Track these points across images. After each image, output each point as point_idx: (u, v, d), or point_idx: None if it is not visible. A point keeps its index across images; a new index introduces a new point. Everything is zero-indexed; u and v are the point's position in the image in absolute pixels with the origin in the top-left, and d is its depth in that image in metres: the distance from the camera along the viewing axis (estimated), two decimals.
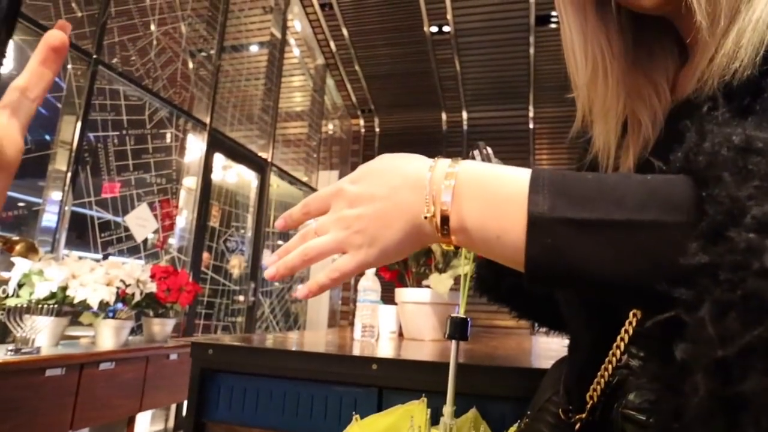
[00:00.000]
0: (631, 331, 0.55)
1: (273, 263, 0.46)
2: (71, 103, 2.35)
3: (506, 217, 0.35)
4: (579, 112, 0.58)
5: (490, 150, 0.77)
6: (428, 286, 1.35)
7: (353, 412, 0.78)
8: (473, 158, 0.78)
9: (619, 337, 0.56)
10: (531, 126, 5.29)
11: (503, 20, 4.42)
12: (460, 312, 0.78)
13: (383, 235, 0.40)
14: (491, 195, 0.36)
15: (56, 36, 0.31)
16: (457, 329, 0.73)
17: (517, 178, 0.35)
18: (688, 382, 0.28)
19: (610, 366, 0.57)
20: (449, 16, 4.46)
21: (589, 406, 0.59)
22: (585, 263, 0.31)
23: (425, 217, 0.38)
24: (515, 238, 0.34)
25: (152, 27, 2.92)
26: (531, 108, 5.29)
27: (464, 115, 5.51)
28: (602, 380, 0.58)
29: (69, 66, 2.36)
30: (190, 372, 0.90)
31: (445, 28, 4.59)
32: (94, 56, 2.39)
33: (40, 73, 0.31)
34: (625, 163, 0.55)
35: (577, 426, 0.61)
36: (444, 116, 5.58)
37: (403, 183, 0.40)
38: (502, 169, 0.37)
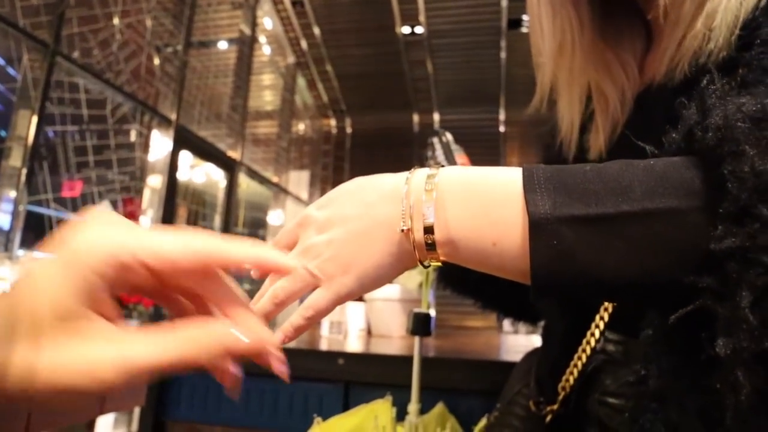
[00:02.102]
0: (606, 317, 0.55)
1: None
2: (26, 96, 2.25)
3: (501, 221, 0.31)
4: (540, 86, 0.58)
5: (449, 136, 0.77)
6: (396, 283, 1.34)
7: (315, 415, 0.74)
8: (432, 146, 0.78)
9: (593, 324, 0.55)
10: (502, 129, 5.36)
11: (475, 23, 4.47)
12: (422, 307, 0.77)
13: (359, 259, 0.34)
14: (480, 199, 0.32)
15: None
16: (420, 324, 0.72)
17: (508, 178, 0.32)
18: (726, 379, 0.25)
19: (584, 355, 0.56)
20: (422, 18, 4.48)
21: (561, 397, 0.59)
22: (600, 264, 0.28)
23: (402, 230, 0.33)
24: (515, 244, 0.30)
25: (115, 19, 2.83)
26: (502, 111, 5.36)
27: (436, 116, 5.54)
28: (575, 369, 0.57)
29: (24, 57, 2.26)
30: None
31: (418, 29, 4.60)
32: (52, 47, 2.30)
33: None
34: (596, 146, 0.55)
35: (548, 418, 0.61)
36: (416, 117, 5.60)
37: (379, 198, 0.35)
38: (487, 170, 0.33)
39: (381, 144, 5.54)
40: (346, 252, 0.34)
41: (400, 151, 5.17)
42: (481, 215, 0.31)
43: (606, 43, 0.54)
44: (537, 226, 0.29)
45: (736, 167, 0.26)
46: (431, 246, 0.32)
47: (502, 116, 5.40)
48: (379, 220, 0.34)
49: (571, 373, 0.59)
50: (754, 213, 0.24)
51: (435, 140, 0.78)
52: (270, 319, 0.36)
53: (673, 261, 0.27)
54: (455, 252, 0.32)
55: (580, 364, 0.58)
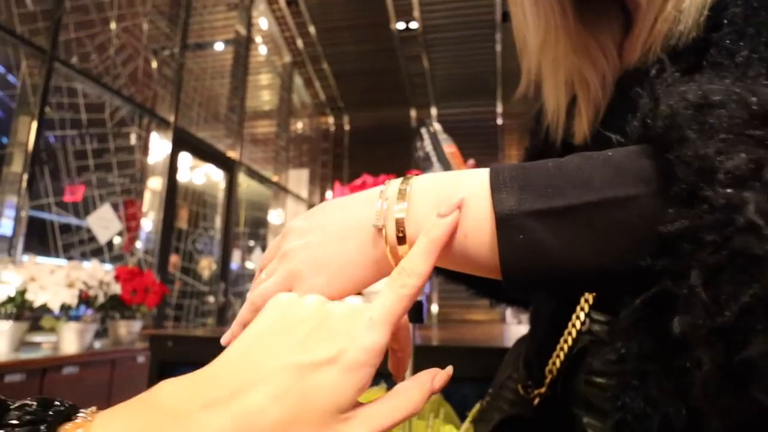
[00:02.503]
0: (591, 299, 0.56)
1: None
2: (26, 103, 2.27)
3: (471, 216, 0.31)
4: (525, 73, 0.59)
5: (437, 126, 0.78)
6: None
7: None
8: (421, 137, 0.79)
9: (579, 306, 0.56)
10: (500, 122, 5.37)
11: (470, 16, 4.47)
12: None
13: (332, 259, 0.34)
14: (449, 194, 0.32)
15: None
16: (413, 312, 0.73)
17: (477, 178, 0.33)
18: (689, 357, 0.26)
19: (570, 337, 0.58)
20: (416, 13, 4.49)
21: (548, 380, 0.60)
22: (566, 254, 0.29)
23: (375, 226, 0.33)
24: (485, 239, 0.31)
25: (111, 23, 2.85)
26: (499, 104, 5.36)
27: (433, 111, 5.55)
28: (561, 352, 0.59)
29: (23, 63, 2.28)
30: (149, 366, 0.88)
31: (413, 25, 4.61)
32: (50, 52, 2.32)
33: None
34: (580, 130, 0.56)
35: (536, 401, 0.62)
36: (413, 113, 5.61)
37: (356, 204, 0.36)
38: (458, 172, 0.34)
39: (379, 140, 5.55)
40: (320, 253, 0.34)
41: (398, 147, 5.19)
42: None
43: (586, 28, 0.55)
44: (504, 222, 0.30)
45: (681, 152, 0.27)
46: (403, 240, 0.33)
47: (499, 109, 5.41)
48: (354, 222, 0.35)
49: (558, 356, 0.60)
50: (700, 195, 0.26)
51: (423, 131, 0.80)
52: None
53: (633, 246, 0.28)
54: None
55: (566, 346, 0.59)
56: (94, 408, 0.25)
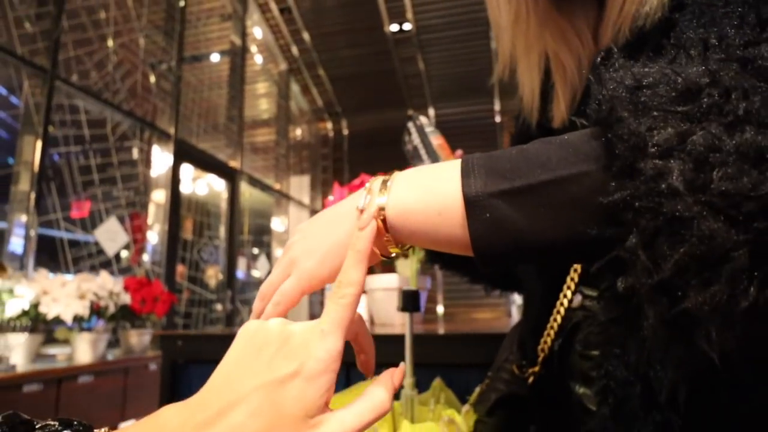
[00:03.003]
0: (576, 277, 0.57)
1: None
2: (30, 122, 2.32)
3: (444, 195, 0.34)
4: (500, 57, 0.61)
5: (423, 119, 0.81)
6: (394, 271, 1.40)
7: None
8: (408, 132, 0.82)
9: (565, 285, 0.58)
10: (498, 120, 5.39)
11: (463, 15, 4.49)
12: (411, 285, 0.81)
13: (322, 243, 0.38)
14: (426, 182, 0.36)
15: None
16: (410, 301, 0.76)
17: (449, 165, 0.36)
18: (639, 312, 0.29)
19: (558, 316, 0.60)
20: (409, 15, 4.52)
21: (540, 359, 0.63)
22: (529, 228, 0.32)
23: (358, 209, 0.37)
24: (457, 218, 0.34)
25: (109, 40, 2.90)
26: (497, 101, 5.38)
27: (431, 111, 5.57)
28: (552, 330, 0.61)
29: (25, 83, 2.33)
30: (161, 366, 0.92)
31: (406, 26, 4.64)
32: (50, 71, 2.37)
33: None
34: (558, 114, 0.57)
35: (531, 380, 0.65)
36: (411, 113, 5.64)
37: (346, 200, 0.40)
38: (435, 165, 0.38)
39: (378, 143, 5.57)
40: (312, 241, 0.39)
41: (397, 149, 5.13)
42: (427, 193, 0.35)
43: (560, 12, 0.56)
44: (471, 203, 0.33)
45: (619, 131, 0.30)
46: (385, 227, 0.36)
47: (496, 107, 5.43)
48: (342, 211, 0.39)
49: (548, 334, 0.62)
50: (636, 167, 0.28)
51: (410, 125, 0.82)
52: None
53: (586, 217, 0.31)
54: (407, 223, 0.36)
55: (555, 325, 0.61)
56: (106, 428, 0.31)
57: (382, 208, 0.36)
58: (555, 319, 0.60)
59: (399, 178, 0.37)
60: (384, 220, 0.36)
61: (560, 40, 0.56)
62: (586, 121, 0.35)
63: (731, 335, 0.26)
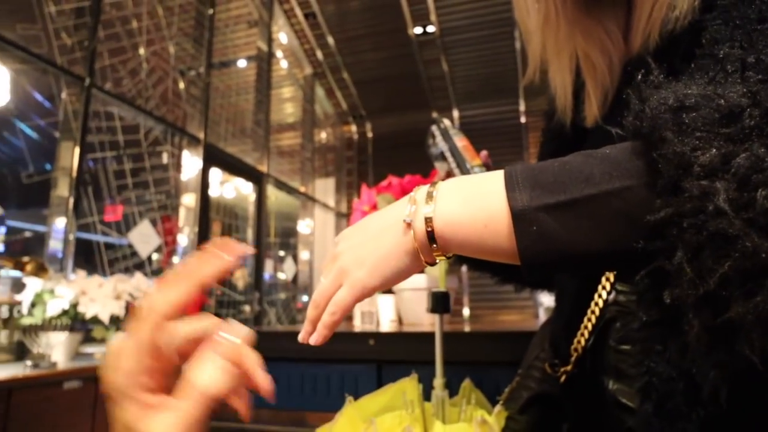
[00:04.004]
0: (612, 277, 0.57)
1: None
2: (68, 129, 2.41)
3: (490, 210, 0.36)
4: (531, 60, 0.61)
5: (447, 122, 0.82)
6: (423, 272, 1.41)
7: (346, 394, 0.79)
8: (433, 135, 0.83)
9: (600, 285, 0.58)
10: (523, 120, 5.34)
11: (487, 16, 4.47)
12: (440, 287, 0.81)
13: (371, 254, 0.40)
14: (472, 194, 0.37)
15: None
16: (440, 303, 0.77)
17: (492, 177, 0.37)
18: (684, 321, 0.30)
19: (593, 315, 0.59)
20: (433, 17, 4.53)
21: (573, 358, 0.63)
22: (573, 240, 0.33)
23: (405, 222, 0.39)
24: (503, 230, 0.35)
25: (141, 48, 2.99)
26: (522, 102, 5.33)
27: (455, 113, 5.56)
28: (586, 330, 0.60)
29: (63, 93, 2.43)
30: None
31: (430, 29, 4.65)
32: (87, 80, 2.45)
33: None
34: (590, 114, 0.58)
35: (563, 378, 0.65)
36: (435, 116, 5.64)
37: (390, 209, 0.41)
38: (477, 175, 0.39)
39: (403, 145, 5.58)
40: (362, 251, 0.40)
41: (421, 151, 5.11)
42: (473, 205, 0.37)
43: (589, 13, 0.56)
44: (518, 216, 0.34)
45: (663, 150, 0.31)
46: (432, 236, 0.38)
47: (522, 107, 5.38)
48: (389, 222, 0.40)
49: (582, 334, 0.62)
50: (681, 186, 0.30)
51: (434, 128, 0.83)
52: (324, 324, 0.42)
53: (629, 230, 0.32)
54: (453, 234, 0.37)
55: (590, 324, 0.61)
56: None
57: (429, 219, 0.38)
58: (589, 319, 0.60)
59: (444, 189, 0.39)
60: (431, 231, 0.38)
61: (589, 40, 0.56)
62: (623, 132, 0.36)
63: None
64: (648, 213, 0.31)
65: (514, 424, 0.74)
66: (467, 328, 1.20)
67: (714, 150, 0.29)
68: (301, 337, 0.44)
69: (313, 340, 0.42)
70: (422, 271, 1.45)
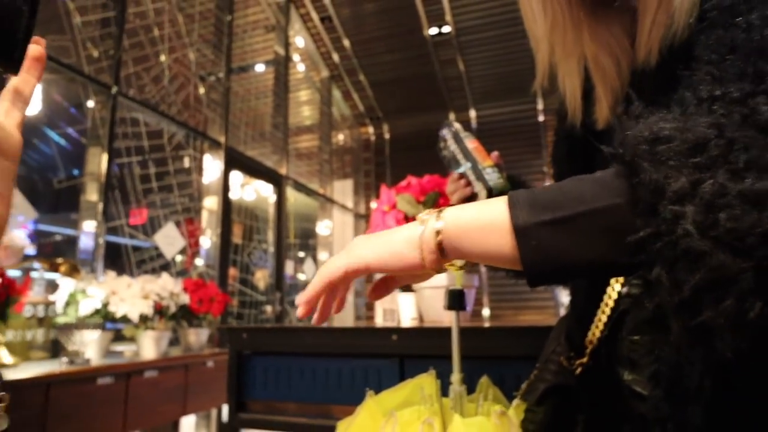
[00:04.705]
0: None
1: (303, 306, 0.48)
2: (96, 136, 2.49)
3: (494, 223, 0.40)
4: (540, 65, 0.63)
5: (457, 125, 0.84)
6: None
7: (366, 389, 0.81)
8: (444, 138, 0.85)
9: (611, 280, 0.60)
10: (541, 119, 5.31)
11: (502, 15, 4.46)
12: (457, 284, 0.83)
13: (380, 238, 0.45)
14: (477, 211, 0.42)
15: (35, 49, 0.40)
16: (455, 300, 0.79)
17: (496, 201, 0.42)
18: (668, 321, 0.35)
19: (606, 308, 0.61)
20: (448, 17, 4.54)
21: (588, 350, 0.65)
22: (568, 252, 0.38)
23: (416, 218, 0.44)
24: (507, 243, 0.40)
25: (163, 56, 3.07)
26: (540, 101, 5.31)
27: (472, 113, 5.56)
28: (600, 322, 0.62)
29: (90, 101, 2.51)
30: (228, 356, 0.99)
31: (445, 29, 4.66)
32: (114, 88, 2.53)
33: (26, 78, 0.41)
34: (601, 116, 0.60)
35: (578, 371, 0.67)
36: (452, 116, 5.64)
37: (397, 232, 0.46)
38: (481, 201, 0.44)
39: (420, 146, 5.59)
40: (372, 238, 0.45)
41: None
42: (479, 220, 0.41)
43: (596, 17, 0.58)
44: (520, 231, 0.39)
45: (641, 178, 0.35)
46: (442, 251, 0.42)
47: (539, 106, 5.35)
48: (402, 234, 0.45)
49: (597, 326, 0.64)
50: (656, 209, 0.34)
51: (444, 131, 0.85)
52: (318, 299, 0.47)
53: (618, 245, 0.36)
54: (461, 244, 0.42)
55: (603, 317, 0.63)
56: None
57: (438, 231, 0.42)
58: (603, 311, 0.62)
59: (450, 209, 0.44)
60: (440, 243, 0.42)
61: (597, 43, 0.58)
62: (610, 158, 0.40)
63: (743, 339, 0.32)
64: (630, 231, 0.35)
65: (532, 416, 0.76)
66: (487, 325, 1.22)
67: (683, 178, 0.34)
68: (300, 312, 0.48)
69: (315, 319, 0.48)
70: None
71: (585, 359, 0.66)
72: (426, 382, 0.83)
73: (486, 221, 0.41)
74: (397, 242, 0.44)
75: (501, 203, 0.41)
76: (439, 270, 0.44)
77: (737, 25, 0.41)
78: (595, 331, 0.64)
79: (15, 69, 0.35)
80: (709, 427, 0.42)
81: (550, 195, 0.40)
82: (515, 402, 0.80)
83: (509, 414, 0.78)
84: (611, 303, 0.62)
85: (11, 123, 0.38)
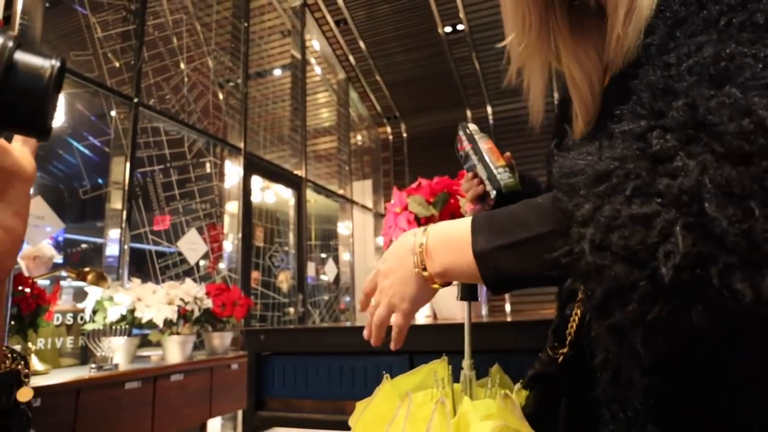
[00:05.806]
0: None
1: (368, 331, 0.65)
2: (119, 145, 2.57)
3: (460, 248, 0.52)
4: (512, 62, 0.69)
5: (472, 126, 0.86)
6: None
7: (384, 372, 0.86)
8: (460, 139, 0.87)
9: None
10: None
11: None
12: None
13: (406, 292, 0.58)
14: (450, 241, 0.53)
15: None
16: (467, 290, 0.81)
17: (463, 225, 0.52)
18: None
19: (581, 303, 0.64)
20: (462, 15, 4.54)
21: (567, 341, 0.67)
22: (517, 270, 0.48)
23: (416, 272, 0.56)
24: (470, 263, 0.50)
25: (182, 65, 3.14)
26: (556, 95, 5.25)
27: (489, 110, 5.54)
28: (577, 317, 0.66)
29: (113, 112, 2.59)
30: (248, 357, 1.02)
31: (459, 27, 4.66)
32: (135, 99, 2.61)
33: None
34: (577, 129, 0.63)
35: (560, 360, 0.70)
36: (469, 113, 5.63)
37: (405, 252, 0.58)
38: (455, 221, 0.54)
39: (437, 144, 5.60)
40: (400, 290, 0.58)
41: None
42: (451, 250, 0.53)
43: (574, 32, 0.62)
44: (479, 257, 0.50)
45: (560, 204, 0.43)
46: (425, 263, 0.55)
47: (556, 101, 5.30)
48: (408, 268, 0.57)
49: (574, 320, 0.67)
50: (569, 231, 0.41)
51: (461, 133, 0.88)
52: (382, 334, 0.63)
53: (554, 262, 0.43)
54: (444, 273, 0.54)
55: (579, 312, 0.66)
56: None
57: (422, 251, 0.56)
58: (578, 306, 0.65)
59: (432, 236, 0.55)
60: (423, 264, 0.55)
61: (571, 56, 0.62)
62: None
63: (653, 337, 0.37)
64: (555, 248, 0.42)
65: (524, 400, 0.80)
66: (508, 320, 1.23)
67: (588, 205, 0.40)
68: (371, 339, 0.64)
69: (393, 347, 0.63)
70: None
71: (565, 349, 0.69)
72: (439, 367, 0.86)
73: (453, 246, 0.52)
74: (416, 285, 0.57)
75: (467, 228, 0.51)
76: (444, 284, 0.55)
77: (658, 65, 0.46)
78: (573, 324, 0.68)
79: (46, 137, 0.40)
80: (646, 409, 0.47)
81: (503, 221, 0.49)
82: (516, 386, 0.82)
83: (512, 397, 0.80)
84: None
85: (28, 150, 0.43)
